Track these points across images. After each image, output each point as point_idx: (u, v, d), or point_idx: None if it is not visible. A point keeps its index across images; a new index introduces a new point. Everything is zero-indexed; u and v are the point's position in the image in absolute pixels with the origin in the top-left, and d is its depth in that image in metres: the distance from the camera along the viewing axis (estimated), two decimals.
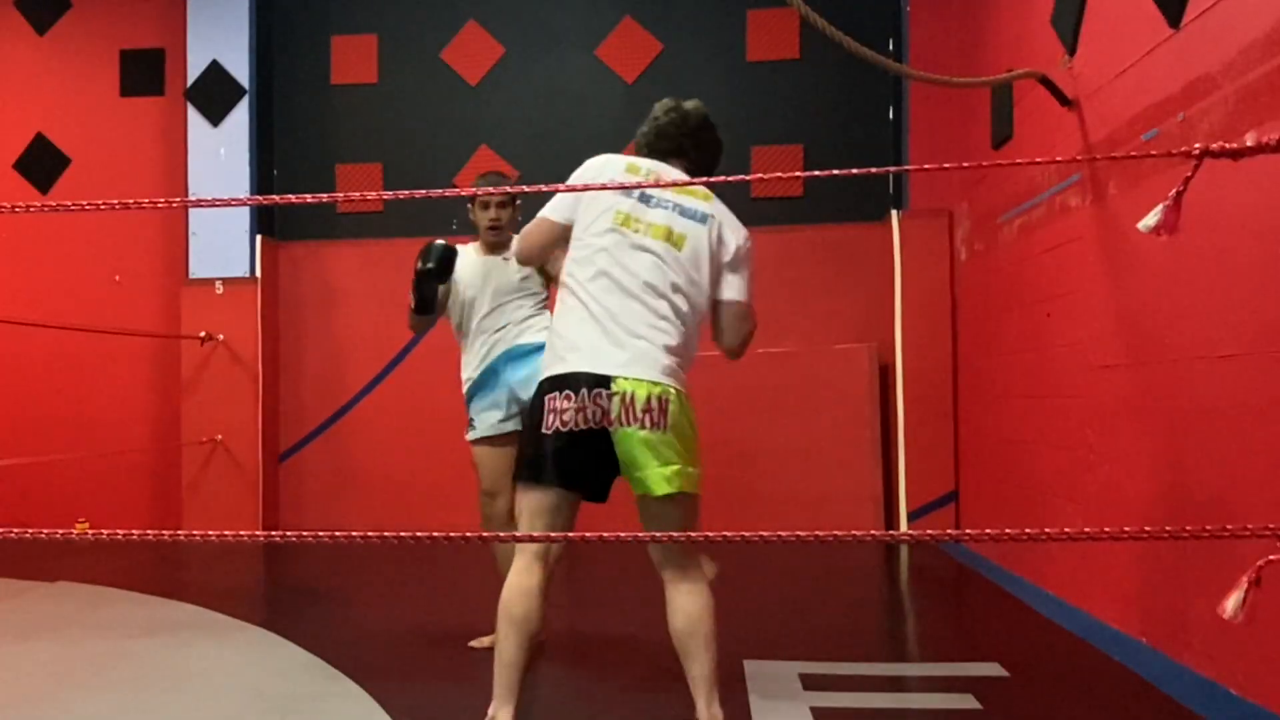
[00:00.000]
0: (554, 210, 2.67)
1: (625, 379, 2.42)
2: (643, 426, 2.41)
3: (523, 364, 3.52)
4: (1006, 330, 4.89)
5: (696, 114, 2.79)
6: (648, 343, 2.47)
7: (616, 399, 2.41)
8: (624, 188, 2.62)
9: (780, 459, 6.05)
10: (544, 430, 2.45)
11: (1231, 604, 2.04)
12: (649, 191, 2.62)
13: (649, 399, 2.41)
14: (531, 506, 2.52)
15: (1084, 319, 3.85)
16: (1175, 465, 3.11)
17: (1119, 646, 3.40)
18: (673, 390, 2.46)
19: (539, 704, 3.11)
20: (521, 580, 2.49)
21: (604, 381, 2.42)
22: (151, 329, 6.75)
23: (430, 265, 3.47)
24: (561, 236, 2.66)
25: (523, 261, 2.90)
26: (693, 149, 2.76)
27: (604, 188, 2.61)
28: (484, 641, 3.58)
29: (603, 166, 2.67)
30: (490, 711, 2.50)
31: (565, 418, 2.43)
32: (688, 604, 2.49)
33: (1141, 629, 3.32)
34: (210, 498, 6.53)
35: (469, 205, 3.74)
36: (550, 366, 2.51)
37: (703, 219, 2.63)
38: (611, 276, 2.52)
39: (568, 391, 2.43)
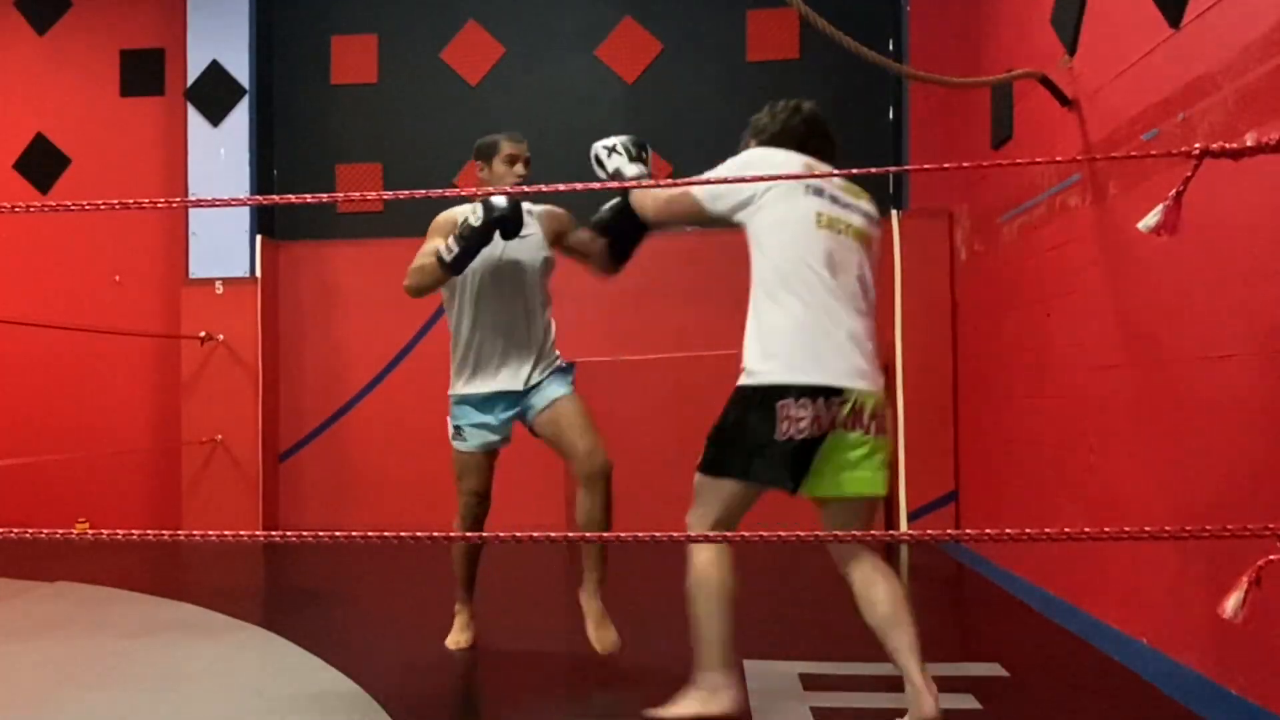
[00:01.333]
0: (712, 199, 2.64)
1: (856, 389, 2.50)
2: (868, 432, 2.52)
3: (543, 394, 3.42)
4: (1006, 330, 4.89)
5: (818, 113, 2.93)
6: (866, 349, 2.57)
7: (847, 406, 2.49)
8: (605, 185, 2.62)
9: None
10: (777, 436, 2.48)
11: (1231, 604, 2.04)
12: (839, 194, 2.67)
13: (875, 406, 2.53)
14: (736, 501, 2.61)
15: (1084, 319, 3.85)
16: (1175, 465, 3.11)
17: (1119, 646, 3.40)
18: (883, 396, 2.59)
19: (538, 706, 3.11)
20: (715, 572, 2.64)
21: (837, 391, 2.48)
22: (151, 329, 6.75)
23: (505, 214, 3.09)
24: (697, 222, 2.72)
25: (654, 219, 2.82)
26: (828, 146, 2.84)
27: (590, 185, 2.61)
28: (459, 641, 3.58)
29: (783, 164, 2.63)
30: (711, 685, 2.61)
31: (801, 425, 2.46)
32: (884, 590, 2.60)
33: (1141, 629, 3.32)
34: (210, 498, 6.53)
35: (484, 164, 3.45)
36: (779, 373, 2.51)
37: (876, 224, 2.76)
38: (827, 282, 2.55)
39: (804, 400, 2.46)
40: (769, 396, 2.50)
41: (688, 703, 2.64)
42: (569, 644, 3.74)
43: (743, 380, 2.59)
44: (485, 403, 3.43)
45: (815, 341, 2.51)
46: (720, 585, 2.62)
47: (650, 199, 2.77)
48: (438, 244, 3.26)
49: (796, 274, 2.57)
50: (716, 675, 2.61)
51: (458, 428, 3.46)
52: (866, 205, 2.75)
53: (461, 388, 3.46)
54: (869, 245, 2.69)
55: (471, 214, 3.15)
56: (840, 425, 2.49)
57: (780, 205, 2.60)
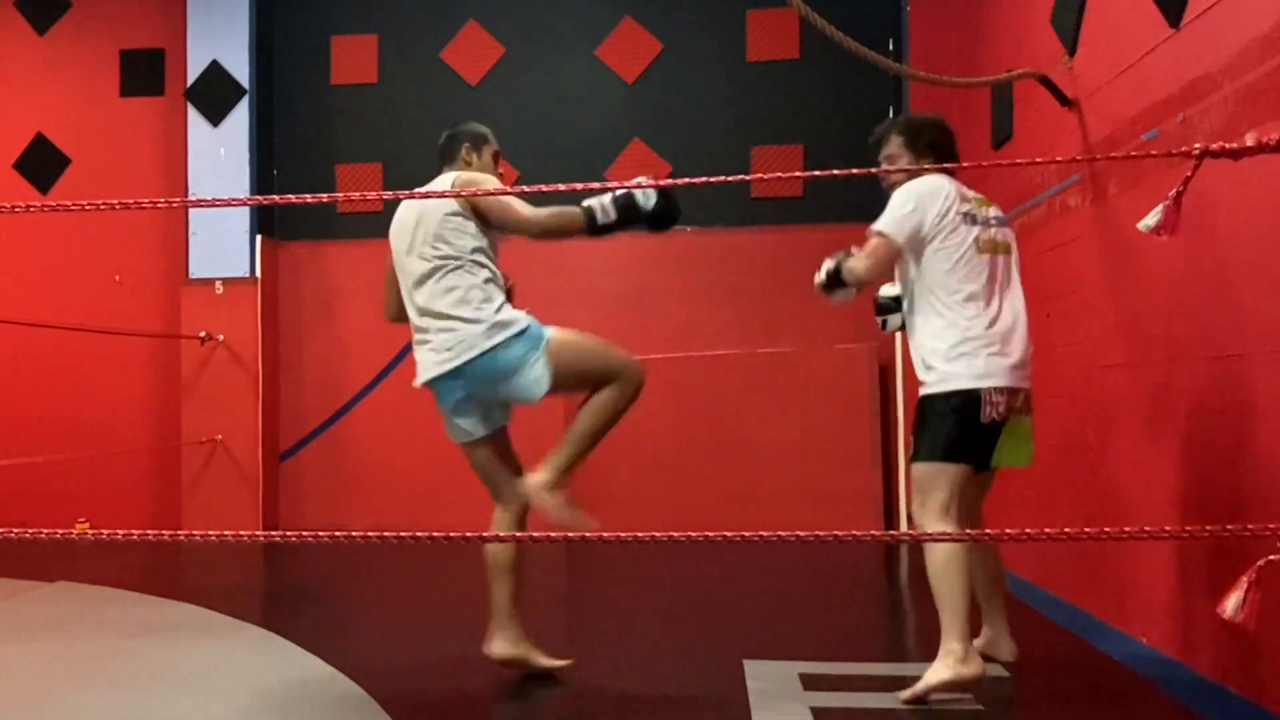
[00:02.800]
0: (897, 233, 3.10)
1: (1026, 385, 3.06)
2: (1030, 414, 3.11)
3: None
4: None
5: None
6: (1028, 347, 3.07)
7: (1023, 394, 3.04)
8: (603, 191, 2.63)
9: (780, 459, 6.05)
10: (982, 419, 2.97)
11: (1231, 604, 2.04)
12: (983, 213, 3.09)
13: (1030, 392, 3.09)
14: (959, 481, 3.02)
15: (1084, 319, 3.85)
16: (1176, 465, 3.11)
17: (1119, 647, 3.40)
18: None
19: (538, 706, 3.11)
20: (958, 554, 2.97)
21: (1016, 389, 3.03)
22: (151, 329, 6.75)
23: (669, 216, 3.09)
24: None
25: (868, 281, 3.28)
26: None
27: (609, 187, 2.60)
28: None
29: (941, 191, 3.05)
30: (959, 654, 2.91)
31: (1000, 410, 2.97)
32: (991, 558, 3.29)
33: (1141, 629, 3.32)
34: (210, 498, 6.53)
35: (474, 149, 3.32)
36: (978, 379, 2.97)
37: (1008, 225, 3.21)
38: (1000, 296, 3.04)
39: (1002, 390, 2.98)
40: (973, 392, 2.97)
41: (941, 670, 2.91)
42: (569, 643, 3.74)
43: (944, 386, 3.00)
44: None
45: (1000, 350, 2.99)
46: (962, 566, 2.95)
47: (863, 265, 3.20)
48: (574, 209, 3.10)
49: (974, 285, 3.02)
50: (962, 645, 2.91)
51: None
52: (998, 213, 3.16)
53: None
54: (1012, 252, 3.15)
55: (642, 196, 3.08)
56: (1020, 411, 3.04)
57: (948, 240, 3.03)
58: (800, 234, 6.38)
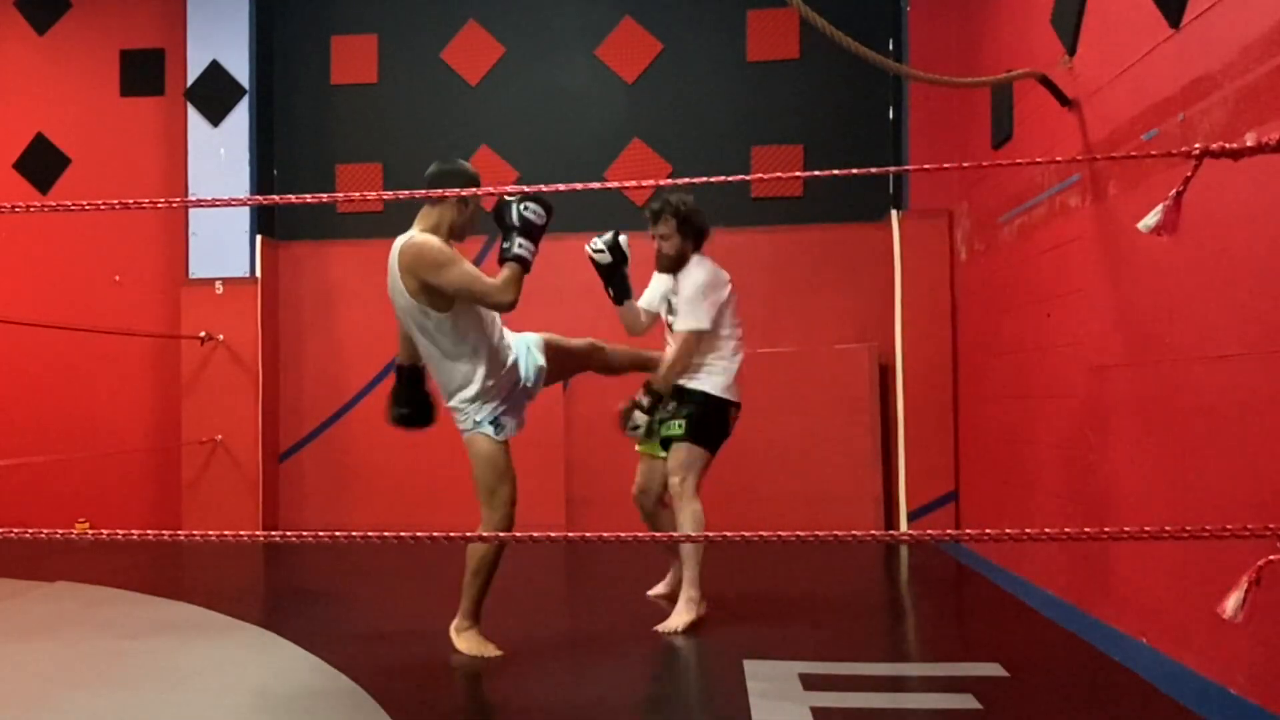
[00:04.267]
0: (711, 320, 4.08)
1: None
2: None
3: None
4: (1006, 330, 4.89)
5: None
6: None
7: None
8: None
9: (780, 459, 6.05)
10: (731, 419, 4.07)
11: (1231, 604, 2.05)
12: None
13: None
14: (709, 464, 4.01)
15: (1084, 319, 3.86)
16: (1175, 465, 3.11)
17: (1119, 646, 3.40)
18: None
19: (538, 706, 3.11)
20: (703, 518, 3.90)
21: None
22: (151, 329, 6.76)
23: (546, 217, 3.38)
24: None
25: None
26: None
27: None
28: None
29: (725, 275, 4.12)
30: (697, 598, 3.88)
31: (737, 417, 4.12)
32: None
33: (1141, 629, 3.32)
34: (210, 498, 6.53)
35: (463, 203, 3.43)
36: (734, 393, 4.04)
37: None
38: None
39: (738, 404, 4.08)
40: (731, 407, 4.04)
41: (686, 614, 3.81)
42: (568, 643, 3.74)
43: (721, 393, 4.00)
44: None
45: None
46: (704, 527, 3.81)
47: (687, 351, 3.98)
48: (474, 268, 3.34)
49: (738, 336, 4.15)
50: (699, 590, 3.86)
51: (497, 419, 3.42)
52: None
53: (496, 374, 3.43)
54: None
55: (529, 210, 3.31)
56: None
57: (731, 303, 4.10)
58: (800, 234, 6.39)
